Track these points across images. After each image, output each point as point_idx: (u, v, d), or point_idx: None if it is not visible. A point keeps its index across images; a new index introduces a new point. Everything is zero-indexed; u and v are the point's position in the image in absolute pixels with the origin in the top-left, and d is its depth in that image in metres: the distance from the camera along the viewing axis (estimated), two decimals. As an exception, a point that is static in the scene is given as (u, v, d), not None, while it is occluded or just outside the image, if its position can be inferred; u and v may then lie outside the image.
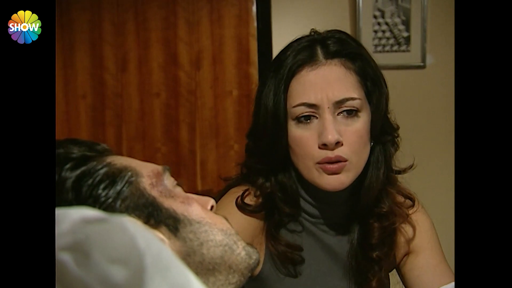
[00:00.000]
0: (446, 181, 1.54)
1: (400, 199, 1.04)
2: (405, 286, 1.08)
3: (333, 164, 0.91)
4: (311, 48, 0.93)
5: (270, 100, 0.94)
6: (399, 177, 1.05)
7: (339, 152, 0.91)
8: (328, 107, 0.90)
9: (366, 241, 1.00)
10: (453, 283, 0.97)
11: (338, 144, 0.90)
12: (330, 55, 0.93)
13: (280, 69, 0.93)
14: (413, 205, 1.04)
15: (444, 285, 0.99)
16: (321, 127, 0.90)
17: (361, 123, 0.92)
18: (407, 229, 1.04)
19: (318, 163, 0.91)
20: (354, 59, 0.93)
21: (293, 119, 0.93)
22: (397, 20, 2.22)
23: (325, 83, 0.91)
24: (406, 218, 1.02)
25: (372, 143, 0.96)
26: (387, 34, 2.22)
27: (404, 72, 2.24)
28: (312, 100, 0.91)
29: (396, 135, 1.00)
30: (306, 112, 0.91)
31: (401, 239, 1.04)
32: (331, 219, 1.01)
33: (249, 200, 0.99)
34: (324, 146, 0.90)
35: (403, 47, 2.23)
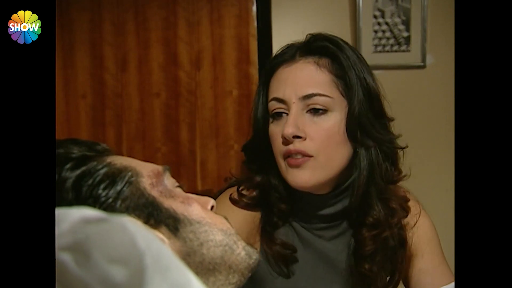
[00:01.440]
0: (446, 181, 1.55)
1: (396, 206, 1.00)
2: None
3: (295, 159, 0.91)
4: (297, 48, 0.96)
5: (256, 98, 0.99)
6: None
7: (301, 146, 0.91)
8: (294, 102, 0.91)
9: (359, 251, 0.99)
10: (453, 283, 0.98)
11: (300, 138, 0.91)
12: (305, 53, 0.94)
13: (266, 68, 0.99)
14: (406, 215, 1.01)
15: (444, 286, 0.99)
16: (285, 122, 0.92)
17: (332, 122, 0.92)
18: (406, 231, 1.03)
19: (283, 157, 0.93)
20: (333, 59, 0.93)
21: (271, 116, 0.96)
22: (397, 20, 2.22)
23: (295, 79, 0.92)
24: (394, 229, 0.98)
25: (358, 147, 0.94)
26: (387, 34, 2.22)
27: (404, 72, 2.24)
28: (280, 95, 0.93)
29: (383, 142, 0.96)
30: (277, 107, 0.94)
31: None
32: (322, 224, 1.00)
33: (244, 192, 1.01)
34: (284, 139, 0.91)
35: (403, 47, 2.23)
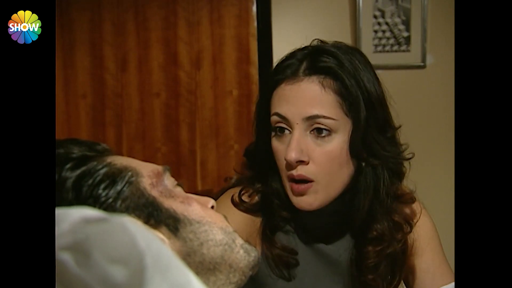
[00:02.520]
0: (446, 181, 1.54)
1: (401, 220, 1.00)
2: (406, 287, 1.08)
3: (299, 185, 0.91)
4: (299, 62, 0.92)
5: (257, 110, 0.98)
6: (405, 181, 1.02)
7: (303, 171, 0.90)
8: (297, 123, 0.89)
9: (362, 263, 0.98)
10: (453, 283, 0.98)
11: (303, 163, 0.89)
12: (309, 71, 0.90)
13: (268, 81, 0.96)
14: (411, 230, 1.00)
15: (444, 286, 0.99)
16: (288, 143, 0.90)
17: (335, 144, 0.90)
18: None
19: (287, 179, 0.92)
20: (335, 78, 0.90)
21: (273, 130, 0.93)
22: (397, 20, 2.22)
23: (298, 99, 0.90)
24: (398, 245, 0.98)
25: (363, 164, 0.93)
26: (387, 34, 2.22)
27: (404, 72, 2.24)
28: (283, 112, 0.90)
29: (389, 159, 0.94)
30: (279, 122, 0.92)
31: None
32: (324, 228, 1.00)
33: (245, 198, 1.00)
34: (287, 163, 0.90)
35: (403, 47, 2.23)
